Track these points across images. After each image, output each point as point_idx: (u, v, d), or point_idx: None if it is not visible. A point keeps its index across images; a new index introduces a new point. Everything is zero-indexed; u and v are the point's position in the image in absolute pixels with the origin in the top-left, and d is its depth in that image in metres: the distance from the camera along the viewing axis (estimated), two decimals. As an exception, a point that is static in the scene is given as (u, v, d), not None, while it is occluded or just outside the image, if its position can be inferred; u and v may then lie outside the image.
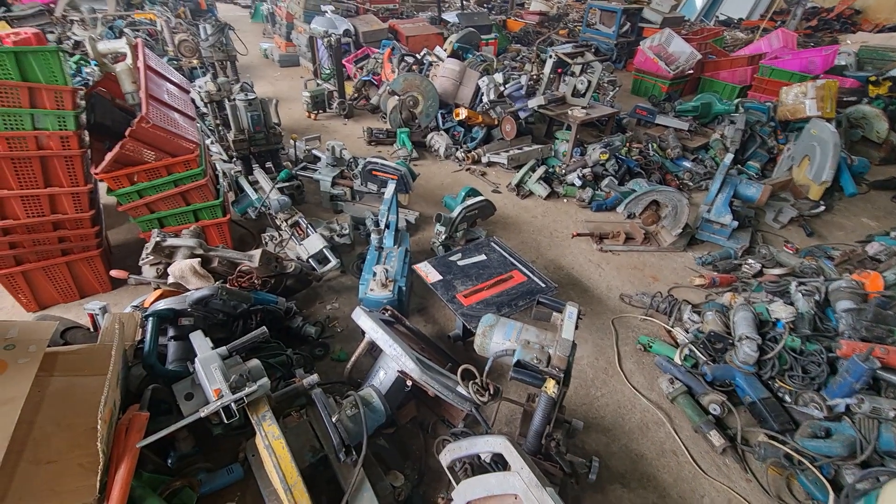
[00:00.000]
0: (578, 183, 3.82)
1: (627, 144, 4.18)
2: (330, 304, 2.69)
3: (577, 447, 1.96)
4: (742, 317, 2.29)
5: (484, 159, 4.33)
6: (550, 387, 1.48)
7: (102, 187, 2.64)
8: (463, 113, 4.46)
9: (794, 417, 2.02)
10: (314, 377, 1.71)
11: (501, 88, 4.57)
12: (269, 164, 3.55)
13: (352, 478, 1.54)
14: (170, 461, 1.67)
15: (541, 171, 3.89)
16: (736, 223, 3.20)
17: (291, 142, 3.92)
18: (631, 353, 2.45)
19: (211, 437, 1.70)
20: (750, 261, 2.96)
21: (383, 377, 1.91)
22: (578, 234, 3.34)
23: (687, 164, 4.14)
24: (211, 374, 1.50)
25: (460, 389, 1.75)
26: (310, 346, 2.38)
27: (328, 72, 5.95)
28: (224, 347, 1.62)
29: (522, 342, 1.62)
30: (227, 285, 2.17)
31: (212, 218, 2.71)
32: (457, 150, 4.46)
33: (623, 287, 2.88)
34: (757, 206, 3.37)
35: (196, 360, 1.56)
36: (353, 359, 2.00)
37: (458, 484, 1.53)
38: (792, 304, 2.32)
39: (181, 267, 2.17)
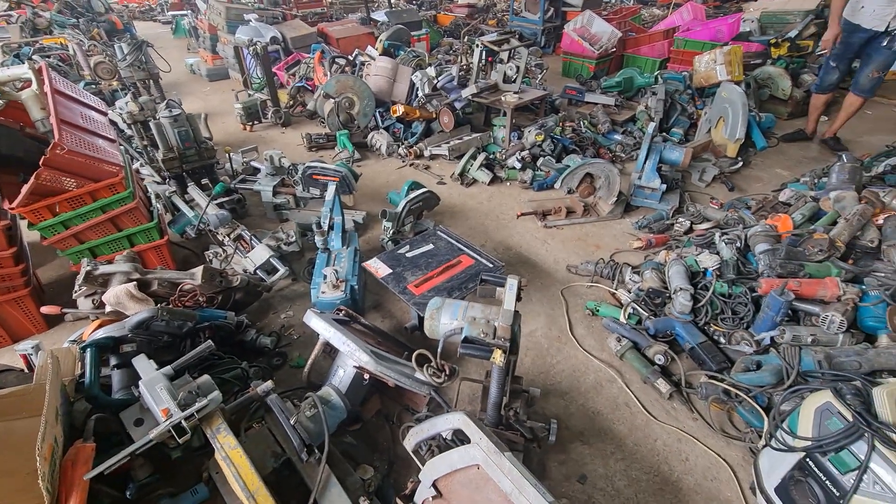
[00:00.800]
0: (518, 166, 3.94)
1: (561, 124, 4.34)
2: (284, 313, 2.66)
3: (537, 414, 2.05)
4: (675, 271, 2.46)
5: (426, 153, 4.37)
6: (498, 357, 1.54)
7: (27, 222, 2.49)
8: (400, 109, 4.48)
9: (729, 356, 2.19)
10: (268, 384, 1.71)
11: (435, 82, 4.63)
12: (204, 181, 3.45)
13: (317, 476, 1.56)
14: (129, 492, 1.62)
15: (481, 158, 3.98)
16: (665, 186, 3.40)
17: (226, 155, 3.82)
18: (581, 319, 2.57)
19: (171, 461, 1.66)
20: (680, 219, 3.17)
21: (342, 375, 1.92)
22: (523, 214, 3.45)
23: (617, 136, 4.36)
24: (157, 394, 1.47)
25: (418, 375, 1.79)
26: (267, 357, 2.35)
27: (259, 81, 5.81)
28: (169, 367, 1.58)
29: (469, 319, 1.68)
30: (171, 306, 2.11)
31: (148, 241, 2.61)
32: (398, 146, 4.48)
33: (569, 258, 3.01)
34: (682, 168, 3.60)
35: (140, 383, 1.52)
36: (309, 362, 2.01)
37: (423, 465, 1.58)
38: (717, 253, 2.50)
39: (116, 293, 2.09)
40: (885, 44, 3.59)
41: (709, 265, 2.41)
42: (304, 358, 2.34)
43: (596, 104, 4.82)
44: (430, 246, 2.72)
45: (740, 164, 3.88)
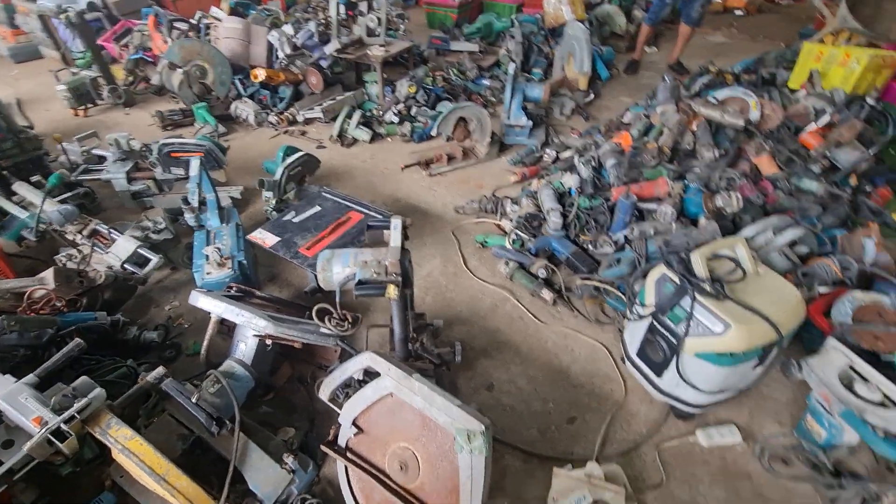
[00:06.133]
0: (396, 119, 3.95)
1: (431, 74, 4.40)
2: (168, 304, 2.47)
3: (444, 342, 2.20)
4: (546, 195, 2.74)
5: (300, 118, 4.17)
6: (392, 291, 1.63)
7: None
8: (262, 74, 4.17)
9: (596, 259, 2.54)
10: (159, 370, 1.61)
11: (294, 40, 4.35)
12: (36, 178, 2.94)
13: (233, 444, 1.54)
14: (15, 522, 1.46)
15: (357, 116, 3.91)
16: (531, 123, 3.68)
17: (58, 146, 3.27)
18: (473, 253, 2.76)
19: (64, 480, 1.52)
20: (547, 151, 3.48)
21: (244, 348, 1.88)
22: (407, 166, 3.51)
23: (485, 81, 4.55)
24: (22, 405, 1.32)
25: (322, 330, 1.82)
26: (157, 351, 2.19)
27: (83, 57, 4.95)
28: (31, 375, 1.42)
29: (360, 264, 1.73)
30: (23, 315, 1.85)
31: (-30, 255, 2.20)
32: (268, 114, 4.20)
33: (455, 201, 3.17)
34: (544, 105, 3.91)
35: (-1, 399, 1.35)
36: (205, 344, 1.92)
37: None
38: (578, 173, 2.82)
39: (-58, 317, 1.76)
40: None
41: (572, 185, 2.71)
42: (199, 344, 2.22)
43: (462, 52, 4.94)
44: (317, 208, 2.67)
45: (592, 96, 4.31)
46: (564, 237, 2.63)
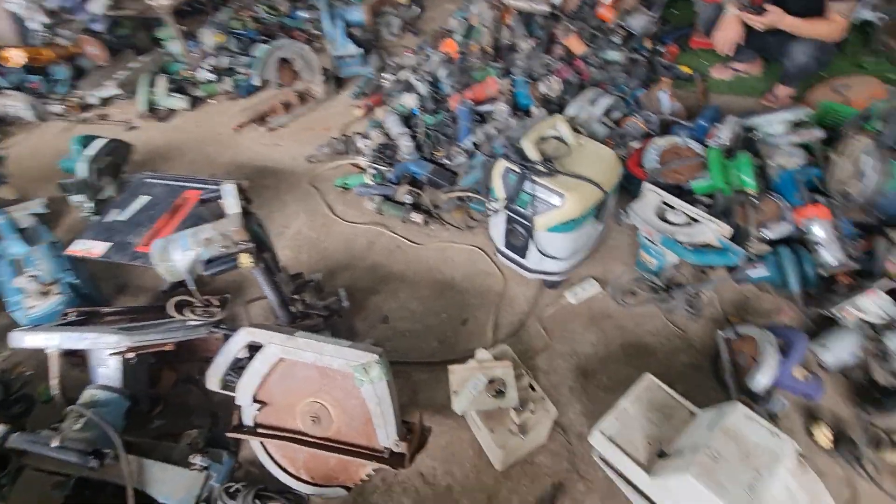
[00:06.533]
0: (213, 77, 3.48)
1: (237, 16, 3.87)
2: (-3, 357, 2.08)
3: (330, 293, 2.18)
4: (391, 121, 2.70)
5: (91, 100, 3.48)
6: (245, 260, 1.54)
7: None
8: (17, 55, 3.33)
9: (454, 171, 2.62)
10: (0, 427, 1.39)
11: (46, 4, 3.49)
12: None
13: (125, 468, 1.43)
14: None
15: (163, 82, 3.37)
16: (362, 50, 3.49)
17: None
18: (337, 199, 2.69)
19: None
20: (385, 75, 3.36)
21: (106, 371, 1.69)
22: (241, 126, 3.18)
23: (303, 14, 4.13)
24: None
25: (190, 323, 1.69)
26: (4, 410, 1.86)
27: None
28: None
29: (203, 242, 1.59)
30: None
31: None
32: (49, 104, 3.43)
33: (305, 151, 2.98)
34: (371, 26, 3.71)
35: None
36: (53, 383, 1.68)
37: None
38: (416, 92, 2.80)
39: None
40: None
41: (413, 105, 2.69)
42: (49, 388, 1.94)
43: (266, -16, 4.38)
44: (145, 198, 2.34)
45: (416, 9, 4.18)
46: (420, 158, 2.65)
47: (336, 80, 3.53)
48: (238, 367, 1.71)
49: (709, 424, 1.38)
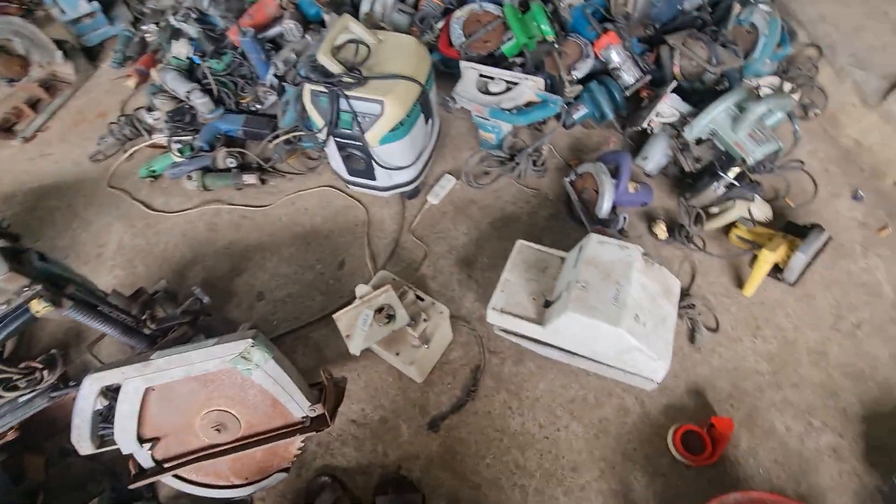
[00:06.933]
0: None
1: None
2: None
3: (187, 295, 1.93)
4: (172, 79, 2.25)
5: None
6: (39, 307, 1.25)
7: None
8: None
9: (271, 115, 2.33)
10: None
11: None
12: None
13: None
14: None
15: None
16: (97, 4, 2.77)
17: None
18: (151, 192, 2.29)
19: None
20: (144, 28, 2.76)
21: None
22: (-18, 149, 2.47)
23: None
24: None
25: (22, 398, 1.40)
26: None
27: None
28: None
29: (-25, 308, 1.26)
30: None
31: None
32: None
33: (85, 150, 2.43)
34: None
35: None
36: None
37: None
38: (186, 36, 2.34)
39: None
40: None
41: (187, 53, 2.26)
42: None
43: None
44: None
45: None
46: (226, 113, 2.30)
47: (85, 52, 2.83)
48: (109, 416, 1.50)
49: (574, 262, 1.53)
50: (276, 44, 2.35)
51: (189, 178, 2.20)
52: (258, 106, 2.34)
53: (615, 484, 1.45)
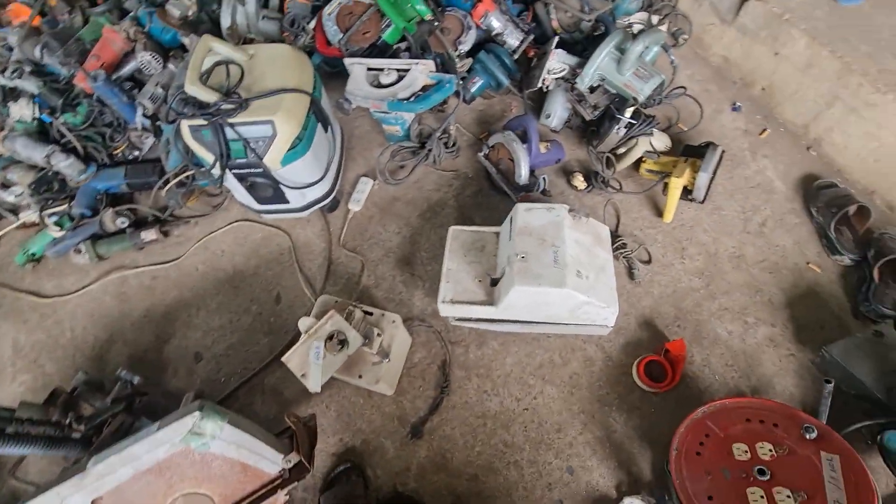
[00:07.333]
0: None
1: None
2: None
3: (114, 380, 1.73)
4: (21, 145, 1.98)
5: None
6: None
7: None
8: None
9: (154, 159, 2.11)
10: None
11: None
12: None
13: None
14: None
15: None
16: None
17: None
18: (37, 280, 2.01)
19: None
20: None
21: None
22: None
23: None
24: None
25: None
26: None
27: None
28: None
29: None
30: None
31: None
32: None
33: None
34: None
35: None
36: None
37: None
38: (23, 90, 2.03)
39: None
40: None
41: (31, 113, 1.97)
42: None
43: None
44: None
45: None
46: (101, 168, 2.06)
47: None
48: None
49: (509, 235, 1.54)
50: (137, 80, 2.11)
51: (77, 251, 1.95)
52: (136, 153, 2.12)
53: (598, 431, 1.51)
